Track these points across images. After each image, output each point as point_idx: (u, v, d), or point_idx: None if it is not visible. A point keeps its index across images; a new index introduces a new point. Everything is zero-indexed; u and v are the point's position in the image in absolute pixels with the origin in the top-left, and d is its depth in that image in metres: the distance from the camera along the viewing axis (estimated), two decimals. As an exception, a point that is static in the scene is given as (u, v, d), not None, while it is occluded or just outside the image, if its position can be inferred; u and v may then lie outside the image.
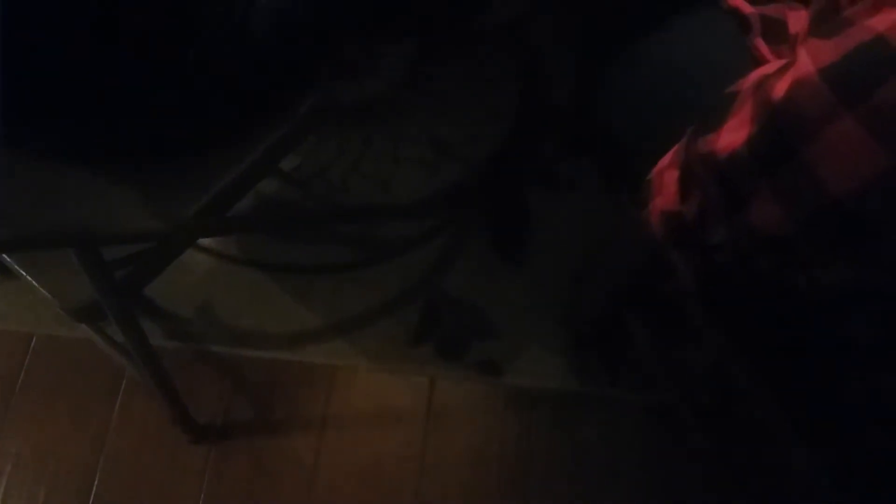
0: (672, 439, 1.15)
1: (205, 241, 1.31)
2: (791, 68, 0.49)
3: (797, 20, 0.71)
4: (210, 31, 0.80)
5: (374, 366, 1.22)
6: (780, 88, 0.49)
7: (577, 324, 1.24)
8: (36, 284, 0.84)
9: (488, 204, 1.35)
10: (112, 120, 0.80)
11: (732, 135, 0.53)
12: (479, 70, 1.43)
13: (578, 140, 1.33)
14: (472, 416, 1.19)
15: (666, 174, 0.63)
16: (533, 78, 1.41)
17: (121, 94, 0.80)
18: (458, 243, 1.31)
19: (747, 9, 0.73)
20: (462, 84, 1.43)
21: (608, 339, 1.22)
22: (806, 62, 0.48)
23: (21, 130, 0.79)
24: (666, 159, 0.64)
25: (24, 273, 0.85)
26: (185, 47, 0.80)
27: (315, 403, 1.20)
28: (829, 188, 0.47)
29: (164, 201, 0.84)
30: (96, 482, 1.15)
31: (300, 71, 0.90)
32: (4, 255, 0.86)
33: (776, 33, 0.72)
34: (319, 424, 1.18)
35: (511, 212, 1.34)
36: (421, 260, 1.30)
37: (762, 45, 0.72)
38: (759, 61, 0.70)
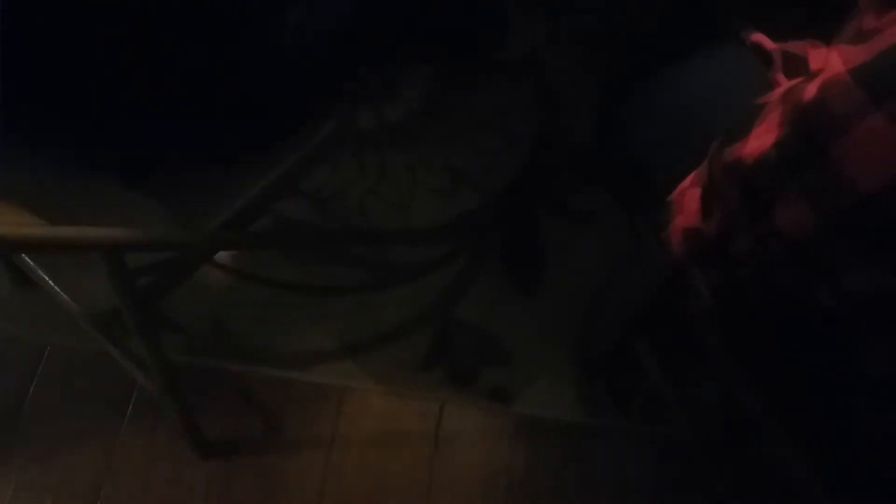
0: (682, 472, 1.15)
1: (221, 258, 1.32)
2: (821, 74, 0.50)
3: (818, 57, 0.73)
4: (244, 54, 0.82)
5: (383, 388, 1.22)
6: (810, 91, 0.50)
7: (588, 354, 1.24)
8: (58, 290, 0.85)
9: (503, 232, 1.36)
10: (144, 133, 0.82)
11: (760, 140, 0.54)
12: (496, 100, 1.45)
13: (594, 170, 1.34)
14: (481, 442, 1.19)
15: (688, 193, 0.64)
16: (550, 109, 1.42)
17: (153, 108, 0.81)
18: (472, 270, 1.32)
19: (769, 44, 0.75)
20: (480, 113, 1.44)
21: (619, 371, 1.22)
22: (836, 63, 0.49)
23: (50, 136, 0.81)
24: (687, 181, 0.65)
25: (46, 278, 0.86)
26: (218, 69, 0.82)
27: (324, 424, 1.20)
28: (858, 185, 0.48)
29: (189, 212, 0.86)
30: (102, 494, 1.14)
31: (323, 97, 0.92)
32: (28, 260, 0.87)
33: (797, 69, 0.73)
34: (327, 445, 1.18)
35: (525, 241, 1.34)
36: (434, 285, 1.30)
37: (783, 80, 0.73)
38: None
